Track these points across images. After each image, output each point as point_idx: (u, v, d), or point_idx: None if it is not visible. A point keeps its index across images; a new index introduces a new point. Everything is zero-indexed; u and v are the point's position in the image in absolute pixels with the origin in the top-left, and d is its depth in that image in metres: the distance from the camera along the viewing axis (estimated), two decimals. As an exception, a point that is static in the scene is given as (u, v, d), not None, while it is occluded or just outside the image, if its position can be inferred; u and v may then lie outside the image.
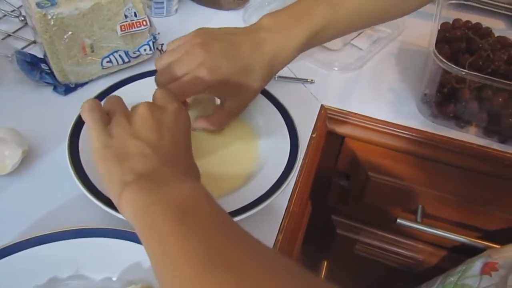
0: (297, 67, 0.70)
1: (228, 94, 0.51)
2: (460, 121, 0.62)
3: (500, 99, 0.58)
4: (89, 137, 0.40)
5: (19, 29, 0.71)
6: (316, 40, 0.52)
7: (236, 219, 0.44)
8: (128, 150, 0.37)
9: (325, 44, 0.75)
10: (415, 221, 0.68)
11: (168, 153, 0.37)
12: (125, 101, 0.55)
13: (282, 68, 0.52)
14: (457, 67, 0.56)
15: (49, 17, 0.54)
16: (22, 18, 0.72)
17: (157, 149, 0.37)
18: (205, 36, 0.49)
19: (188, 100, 0.54)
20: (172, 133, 0.39)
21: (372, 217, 0.79)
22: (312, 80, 0.68)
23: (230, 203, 0.45)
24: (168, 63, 0.48)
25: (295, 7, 0.52)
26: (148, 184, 0.34)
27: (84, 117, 0.41)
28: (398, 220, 0.67)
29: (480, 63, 0.61)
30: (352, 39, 0.77)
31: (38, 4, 0.53)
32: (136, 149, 0.37)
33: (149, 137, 0.37)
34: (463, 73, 0.56)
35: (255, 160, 0.52)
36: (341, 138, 0.67)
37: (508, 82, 0.55)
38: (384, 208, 0.75)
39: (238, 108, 0.53)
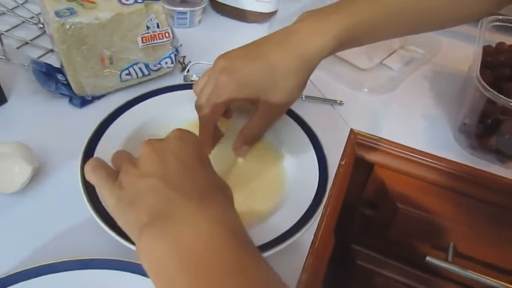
0: (325, 86, 0.66)
1: (258, 97, 0.47)
2: (502, 155, 0.57)
3: (548, 134, 0.53)
4: (103, 197, 0.37)
5: (37, 37, 0.68)
6: (357, 32, 0.48)
7: None
8: (139, 191, 0.33)
9: (355, 63, 0.71)
10: (446, 261, 0.63)
11: (177, 176, 0.34)
12: (144, 118, 0.53)
13: (320, 59, 0.47)
14: (504, 98, 0.51)
15: (68, 26, 0.51)
16: (41, 26, 0.70)
17: (164, 177, 0.33)
18: (230, 50, 0.48)
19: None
20: (176, 156, 0.35)
21: (397, 250, 0.74)
22: (341, 101, 0.64)
23: (253, 237, 0.41)
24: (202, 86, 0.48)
25: (336, 2, 0.49)
26: (161, 224, 0.31)
27: (89, 179, 0.37)
28: (428, 258, 0.62)
29: (527, 93, 0.56)
30: (383, 59, 0.73)
31: (57, 13, 0.50)
32: (145, 186, 0.33)
33: (155, 170, 0.34)
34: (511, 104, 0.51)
35: (281, 190, 0.48)
36: (370, 165, 0.63)
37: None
38: (412, 242, 0.70)
39: (272, 112, 0.48)
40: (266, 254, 0.40)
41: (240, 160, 0.51)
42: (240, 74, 0.45)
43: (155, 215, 0.31)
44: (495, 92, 0.51)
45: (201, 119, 0.48)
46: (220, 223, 0.31)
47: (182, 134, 0.37)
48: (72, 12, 0.51)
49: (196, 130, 0.52)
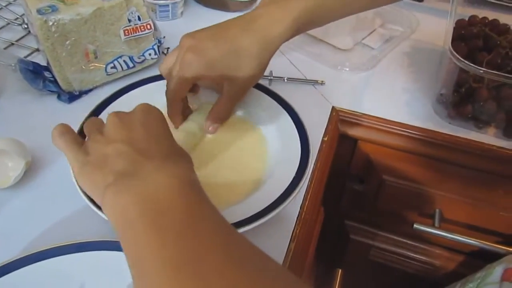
0: (307, 68, 0.68)
1: (223, 78, 0.49)
2: (479, 122, 0.59)
3: (521, 99, 0.55)
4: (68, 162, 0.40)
5: (23, 37, 0.70)
6: (315, 15, 0.51)
7: (246, 228, 0.42)
8: (106, 156, 0.36)
9: (336, 44, 0.73)
10: (433, 226, 0.65)
11: (142, 142, 0.37)
12: (129, 108, 0.54)
13: (281, 42, 0.50)
14: (474, 66, 0.53)
15: (50, 23, 0.52)
16: (25, 26, 0.71)
17: (131, 141, 0.36)
18: (196, 30, 0.50)
19: (193, 106, 0.54)
20: (143, 125, 0.38)
21: (387, 222, 0.76)
22: (322, 81, 0.65)
23: (239, 212, 0.43)
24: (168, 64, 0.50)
25: None
26: (125, 181, 0.33)
27: (55, 144, 0.41)
28: (415, 226, 0.65)
29: (499, 61, 0.58)
30: (363, 38, 0.75)
31: (39, 11, 0.52)
32: (112, 150, 0.36)
33: (122, 135, 0.37)
34: (481, 71, 0.53)
35: (264, 166, 0.50)
36: (354, 141, 0.65)
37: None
38: (400, 212, 0.73)
39: (237, 92, 0.51)
40: (254, 226, 0.42)
41: (224, 141, 0.52)
42: (207, 53, 0.47)
43: (120, 175, 0.34)
44: (466, 62, 0.53)
45: (168, 95, 0.50)
46: (178, 177, 0.33)
47: (147, 107, 0.40)
48: (54, 9, 0.53)
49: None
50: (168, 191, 0.32)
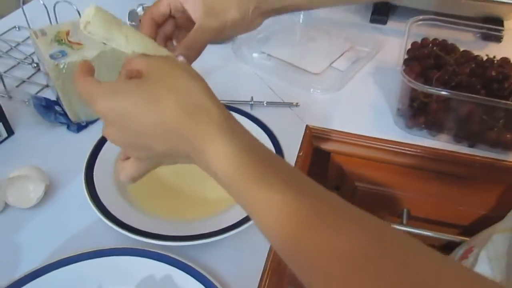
0: (284, 92, 0.77)
1: (203, 11, 0.47)
2: (432, 130, 0.68)
3: (465, 109, 0.64)
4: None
5: (32, 75, 0.78)
6: None
7: (227, 235, 0.50)
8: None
9: (308, 69, 0.82)
10: (402, 224, 0.74)
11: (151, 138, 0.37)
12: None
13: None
14: (422, 84, 0.63)
15: (61, 66, 0.61)
16: (35, 65, 0.79)
17: (144, 146, 0.38)
18: None
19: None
20: (128, 128, 0.37)
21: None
22: (297, 103, 0.74)
23: (225, 219, 0.52)
24: None
25: None
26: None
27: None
28: (384, 224, 0.73)
29: (446, 77, 0.67)
30: (332, 62, 0.84)
31: (51, 56, 0.61)
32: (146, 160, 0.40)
33: (126, 146, 0.39)
34: (428, 88, 0.63)
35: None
36: (328, 154, 0.74)
37: (468, 94, 0.61)
38: (372, 214, 0.81)
39: (217, 27, 0.48)
40: (238, 231, 0.50)
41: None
42: None
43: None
44: (415, 81, 0.63)
45: (142, 17, 0.50)
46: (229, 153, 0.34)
47: (104, 111, 0.38)
48: (63, 54, 0.62)
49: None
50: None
